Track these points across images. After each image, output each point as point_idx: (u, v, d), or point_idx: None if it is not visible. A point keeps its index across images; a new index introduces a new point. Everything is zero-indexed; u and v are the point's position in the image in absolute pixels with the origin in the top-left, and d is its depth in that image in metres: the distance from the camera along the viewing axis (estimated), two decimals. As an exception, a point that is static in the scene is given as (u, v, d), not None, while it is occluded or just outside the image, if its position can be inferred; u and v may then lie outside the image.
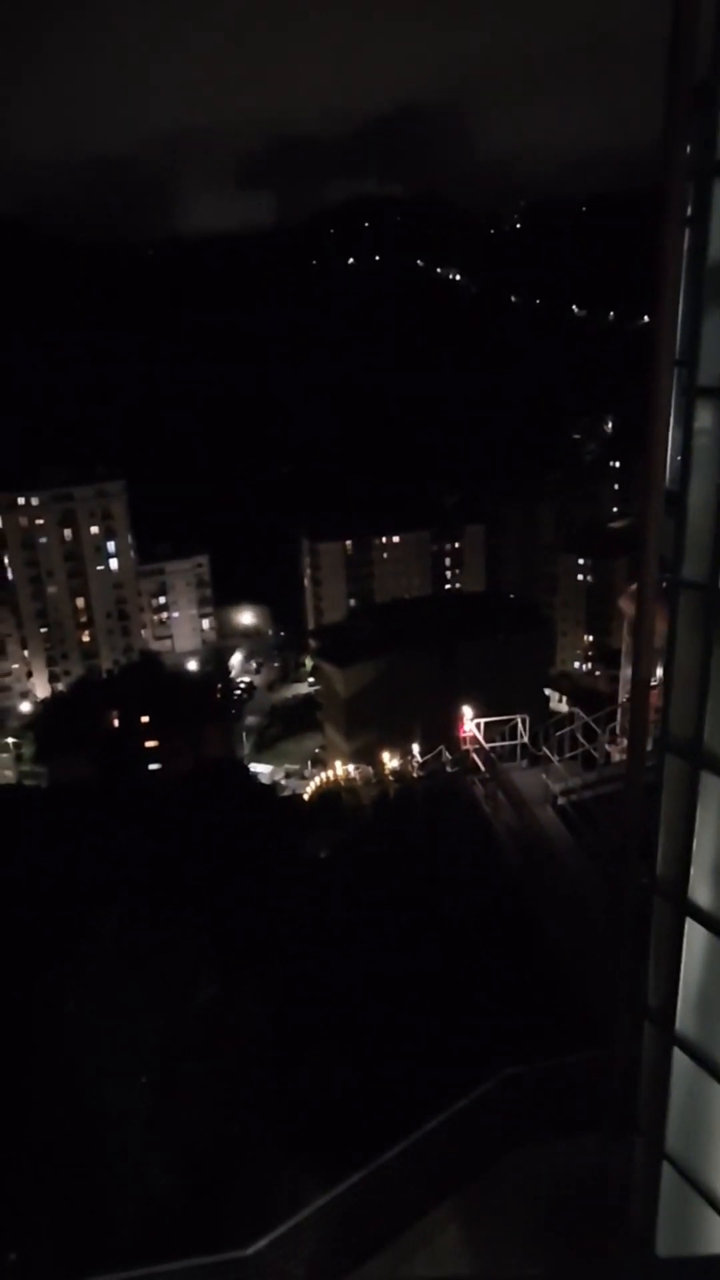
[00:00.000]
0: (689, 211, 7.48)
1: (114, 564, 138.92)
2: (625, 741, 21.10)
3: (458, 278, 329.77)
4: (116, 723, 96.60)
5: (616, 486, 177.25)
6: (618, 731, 22.17)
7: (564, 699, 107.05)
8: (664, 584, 8.52)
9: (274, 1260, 10.49)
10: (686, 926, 8.67)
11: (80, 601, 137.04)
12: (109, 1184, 13.16)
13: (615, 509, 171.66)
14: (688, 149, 7.22)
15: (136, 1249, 11.94)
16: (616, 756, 21.22)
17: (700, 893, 8.53)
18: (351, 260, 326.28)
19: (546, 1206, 11.85)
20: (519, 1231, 11.72)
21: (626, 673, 22.35)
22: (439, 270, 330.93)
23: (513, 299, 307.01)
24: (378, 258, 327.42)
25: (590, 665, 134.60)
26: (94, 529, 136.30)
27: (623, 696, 22.59)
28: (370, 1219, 11.62)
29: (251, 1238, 10.47)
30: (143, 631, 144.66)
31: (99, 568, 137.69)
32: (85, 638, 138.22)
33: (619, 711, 22.59)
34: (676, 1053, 9.00)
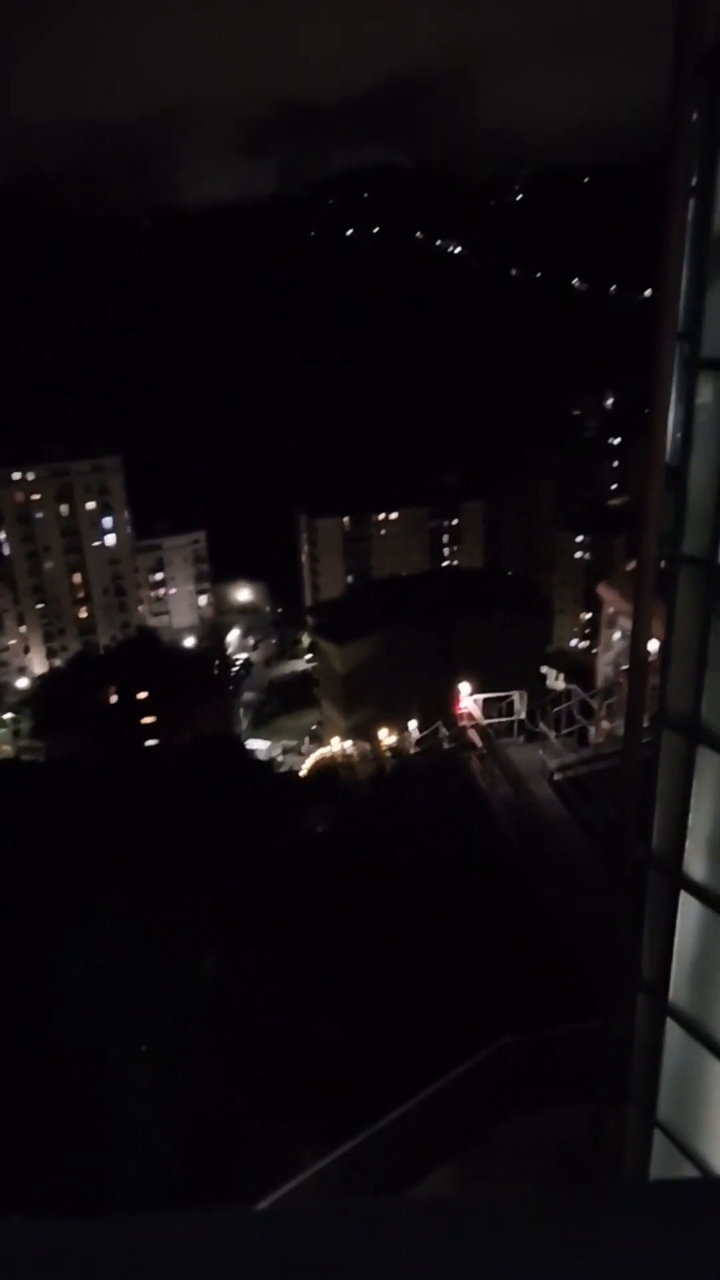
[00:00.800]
0: (694, 182, 7.40)
1: (111, 540, 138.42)
2: (606, 722, 21.32)
3: (458, 250, 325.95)
4: (114, 699, 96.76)
5: (616, 464, 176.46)
6: (599, 711, 22.33)
7: (561, 676, 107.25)
8: (663, 560, 8.53)
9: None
10: (681, 900, 8.76)
11: (77, 577, 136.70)
12: (114, 1150, 13.38)
13: (614, 486, 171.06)
14: (694, 117, 7.12)
15: (137, 1210, 12.15)
16: (600, 735, 21.39)
17: (695, 866, 8.61)
18: (350, 231, 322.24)
19: (540, 1172, 12.08)
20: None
21: (605, 657, 22.42)
22: (439, 242, 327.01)
23: (514, 272, 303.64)
24: (377, 229, 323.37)
25: (587, 643, 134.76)
26: (91, 504, 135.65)
27: (600, 681, 22.77)
28: (368, 1182, 11.84)
29: (252, 1200, 10.66)
30: (140, 608, 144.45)
31: (96, 543, 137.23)
32: (82, 614, 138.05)
33: (601, 693, 22.79)
34: (669, 1023, 9.14)
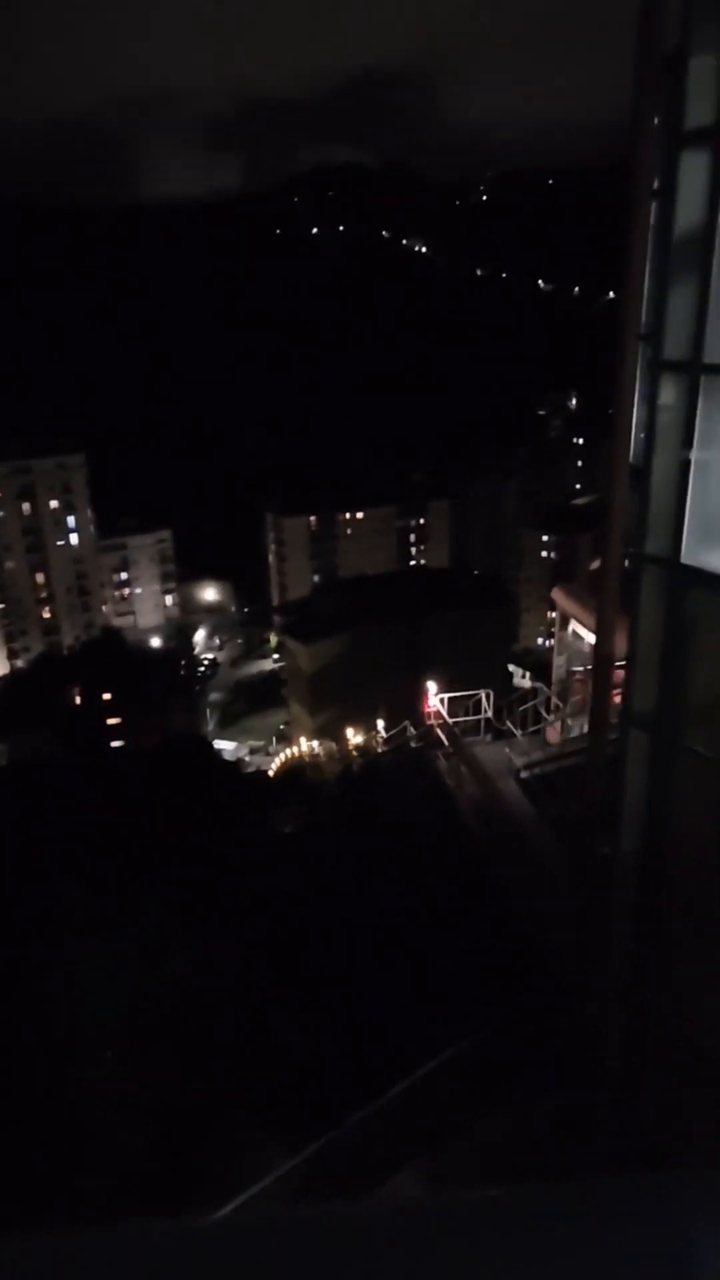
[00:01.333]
0: (656, 185, 7.47)
1: (74, 539, 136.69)
2: (560, 722, 21.63)
3: (424, 250, 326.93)
4: (79, 700, 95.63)
5: (581, 463, 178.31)
6: (553, 712, 22.80)
7: (527, 675, 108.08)
8: (627, 559, 8.62)
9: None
10: (648, 894, 8.87)
11: (40, 577, 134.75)
12: (79, 1154, 13.21)
13: (579, 486, 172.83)
14: (656, 120, 7.20)
15: (106, 1218, 12.00)
16: (555, 735, 21.75)
17: (661, 861, 8.72)
18: (316, 230, 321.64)
19: (511, 1167, 12.14)
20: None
21: (559, 660, 22.61)
22: (405, 242, 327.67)
23: (479, 272, 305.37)
24: (342, 228, 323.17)
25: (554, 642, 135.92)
26: (53, 503, 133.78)
27: (554, 685, 23.09)
28: (336, 1182, 11.82)
29: (222, 1201, 10.59)
30: (104, 607, 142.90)
31: (59, 542, 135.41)
32: (45, 614, 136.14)
33: (554, 695, 23.25)
34: (639, 1017, 9.25)
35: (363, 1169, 12.11)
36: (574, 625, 22.39)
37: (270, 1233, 1.59)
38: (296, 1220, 1.66)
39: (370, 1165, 12.18)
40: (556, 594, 23.93)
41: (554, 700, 22.97)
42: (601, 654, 9.23)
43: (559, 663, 23.21)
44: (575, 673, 22.18)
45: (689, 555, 7.69)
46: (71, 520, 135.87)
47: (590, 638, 20.54)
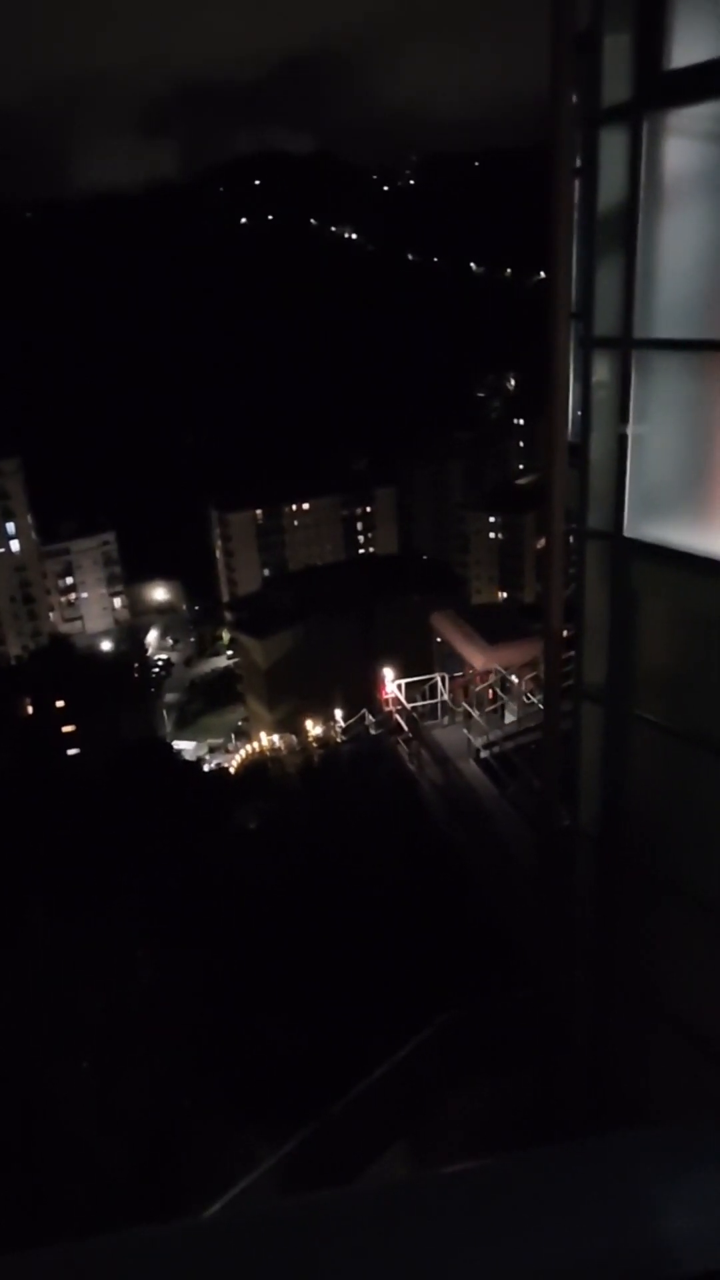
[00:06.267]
0: (578, 163, 7.54)
1: (15, 545, 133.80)
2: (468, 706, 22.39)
3: (353, 236, 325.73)
4: (30, 710, 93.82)
5: (522, 443, 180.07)
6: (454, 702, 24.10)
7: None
8: (570, 535, 8.73)
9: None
10: (608, 866, 9.04)
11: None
12: (56, 1167, 13.06)
13: (521, 466, 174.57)
14: (574, 99, 7.25)
15: (88, 1228, 11.90)
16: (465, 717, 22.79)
17: (620, 833, 8.89)
18: (244, 220, 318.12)
19: (490, 1141, 12.33)
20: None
21: (479, 659, 23.77)
22: (334, 229, 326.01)
23: (410, 257, 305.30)
24: (270, 216, 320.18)
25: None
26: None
27: (462, 688, 24.41)
28: (321, 1171, 11.88)
29: (208, 1199, 10.57)
30: (51, 614, 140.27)
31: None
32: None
33: (469, 684, 24.33)
34: (608, 987, 9.44)
35: (348, 1155, 12.19)
36: (451, 643, 25.08)
37: (263, 1225, 1.59)
38: (289, 1211, 1.66)
39: (355, 1151, 12.26)
40: (437, 620, 26.41)
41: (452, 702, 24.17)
42: (550, 630, 9.35)
43: (440, 672, 24.82)
44: (457, 677, 23.95)
45: (631, 528, 7.81)
46: (11, 527, 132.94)
47: (463, 653, 23.34)
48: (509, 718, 22.55)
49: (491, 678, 22.84)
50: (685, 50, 6.57)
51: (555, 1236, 1.43)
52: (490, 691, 22.88)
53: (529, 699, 21.55)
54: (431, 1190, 1.66)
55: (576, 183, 7.58)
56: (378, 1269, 1.38)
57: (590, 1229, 1.44)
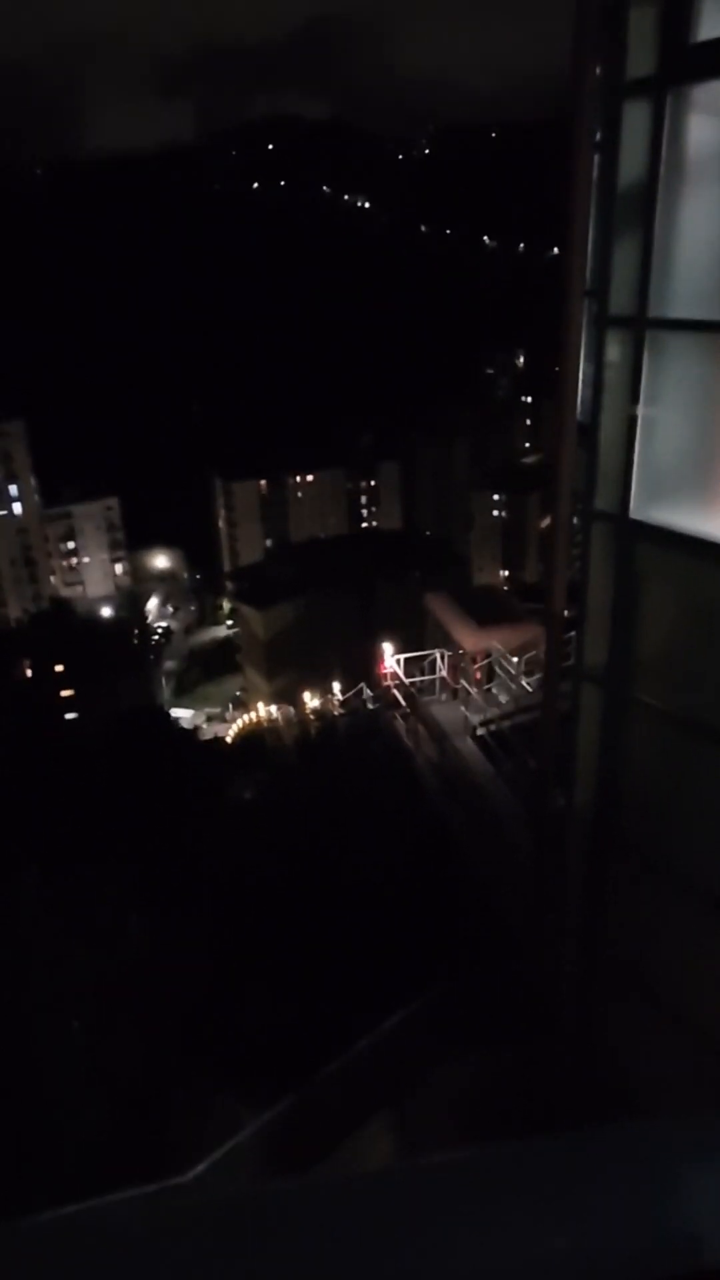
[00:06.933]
0: (598, 137, 7.40)
1: (18, 508, 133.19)
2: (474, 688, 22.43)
3: (366, 206, 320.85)
4: (29, 673, 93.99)
5: (529, 422, 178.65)
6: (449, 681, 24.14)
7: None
8: (576, 516, 8.69)
9: (214, 1183, 10.82)
10: (601, 845, 9.10)
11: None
12: (46, 1126, 13.27)
13: (528, 445, 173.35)
14: (597, 71, 7.10)
15: (77, 1187, 12.12)
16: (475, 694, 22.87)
17: (614, 813, 8.93)
18: (256, 185, 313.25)
19: (475, 1112, 12.52)
20: (450, 1138, 12.38)
21: (469, 641, 23.79)
22: (346, 198, 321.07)
23: (423, 229, 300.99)
24: (282, 183, 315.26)
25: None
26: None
27: (453, 669, 24.45)
28: (305, 1137, 12.07)
29: (193, 1163, 10.75)
30: (52, 578, 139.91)
31: (1, 513, 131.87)
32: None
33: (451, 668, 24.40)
34: (595, 963, 9.54)
35: (330, 1123, 12.39)
36: (443, 624, 24.72)
37: (251, 1204, 1.59)
38: (281, 1192, 1.66)
39: (338, 1119, 12.46)
40: (431, 601, 26.48)
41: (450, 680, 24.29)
42: (553, 611, 9.33)
43: (456, 652, 24.82)
44: (449, 656, 23.98)
45: (637, 510, 7.76)
46: (14, 489, 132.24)
47: (454, 635, 23.21)
48: (501, 698, 22.61)
49: (481, 660, 22.83)
50: (713, 23, 6.43)
51: (547, 1229, 1.44)
52: (478, 674, 22.91)
53: (516, 684, 21.58)
54: (425, 1177, 1.67)
55: (596, 158, 7.44)
56: (370, 1254, 1.39)
57: (585, 1222, 1.44)
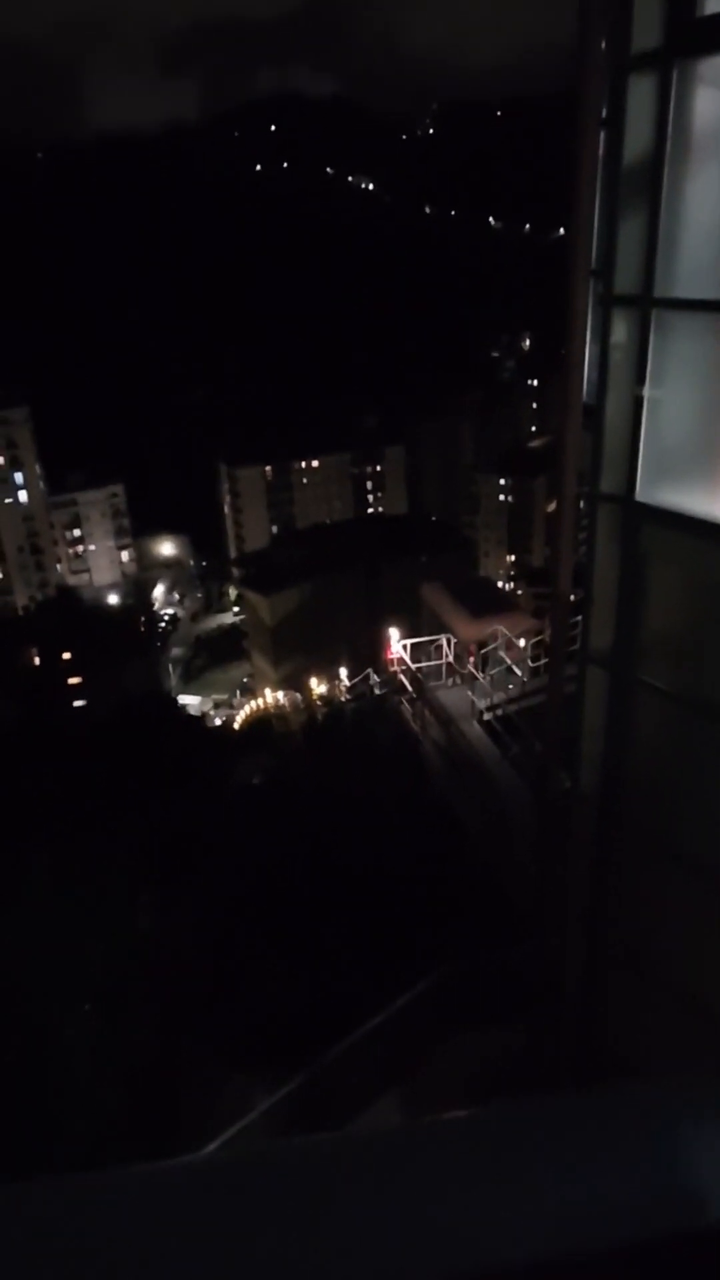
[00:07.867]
0: (604, 114, 7.31)
1: (23, 495, 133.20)
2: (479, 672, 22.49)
3: (370, 187, 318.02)
4: (37, 661, 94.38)
5: (535, 405, 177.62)
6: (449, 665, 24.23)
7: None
8: (581, 499, 8.65)
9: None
10: (605, 829, 9.13)
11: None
12: (57, 1107, 13.44)
13: (534, 428, 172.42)
14: (602, 45, 7.01)
15: (89, 1164, 12.30)
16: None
17: (619, 797, 8.96)
18: (259, 166, 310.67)
19: (483, 1089, 12.64)
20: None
21: (464, 631, 23.88)
22: (350, 178, 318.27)
23: (427, 210, 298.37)
24: (285, 164, 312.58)
25: (512, 584, 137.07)
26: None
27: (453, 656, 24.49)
28: (316, 1114, 12.21)
29: (202, 1144, 10.88)
30: (58, 565, 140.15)
31: (7, 500, 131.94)
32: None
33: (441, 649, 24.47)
34: (599, 946, 9.59)
35: (342, 1100, 12.52)
36: (438, 614, 24.73)
37: (260, 1165, 1.62)
38: (288, 1151, 1.69)
39: (349, 1096, 12.59)
40: (427, 591, 26.78)
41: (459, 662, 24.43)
42: (559, 594, 9.32)
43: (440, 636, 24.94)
44: (454, 642, 24.09)
45: (643, 493, 7.73)
46: (19, 477, 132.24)
47: (449, 624, 23.71)
48: (508, 684, 22.69)
49: (474, 649, 23.00)
50: (720, -6, 6.33)
51: (548, 1186, 1.46)
52: (472, 661, 23.02)
53: (516, 670, 21.65)
54: (430, 1135, 1.69)
55: (601, 134, 7.36)
56: (375, 1210, 1.42)
57: (586, 1180, 1.47)
